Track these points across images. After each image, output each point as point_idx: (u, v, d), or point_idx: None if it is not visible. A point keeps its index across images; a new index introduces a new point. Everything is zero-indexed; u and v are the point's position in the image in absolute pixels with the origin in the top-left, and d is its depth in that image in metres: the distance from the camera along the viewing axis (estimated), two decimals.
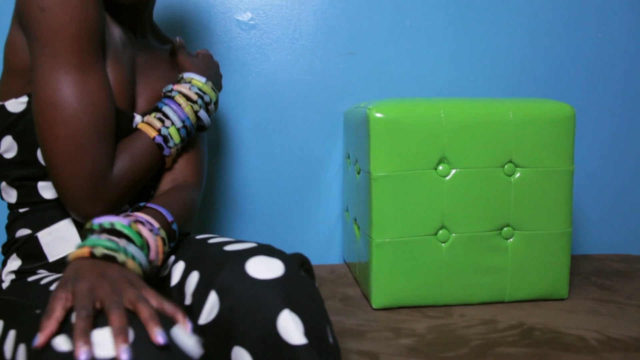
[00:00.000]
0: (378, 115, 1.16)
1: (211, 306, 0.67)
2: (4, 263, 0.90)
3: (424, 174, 1.18)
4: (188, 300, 0.72)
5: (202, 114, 0.94)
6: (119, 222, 0.68)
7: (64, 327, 0.54)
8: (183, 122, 0.90)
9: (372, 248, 1.19)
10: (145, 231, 0.71)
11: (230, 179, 1.55)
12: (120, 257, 0.64)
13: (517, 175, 1.21)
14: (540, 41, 1.61)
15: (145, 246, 0.69)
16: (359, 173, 1.29)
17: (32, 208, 0.86)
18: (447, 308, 1.22)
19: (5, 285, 0.87)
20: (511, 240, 1.22)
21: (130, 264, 0.65)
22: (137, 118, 0.89)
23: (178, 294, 0.76)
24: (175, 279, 0.78)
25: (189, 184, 0.96)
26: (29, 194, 0.86)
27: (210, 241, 0.80)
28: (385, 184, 1.17)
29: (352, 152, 1.38)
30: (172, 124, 0.88)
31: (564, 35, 1.62)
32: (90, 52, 0.76)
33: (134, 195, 0.86)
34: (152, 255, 0.71)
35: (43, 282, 0.80)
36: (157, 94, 0.96)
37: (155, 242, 0.72)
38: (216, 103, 0.99)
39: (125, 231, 0.68)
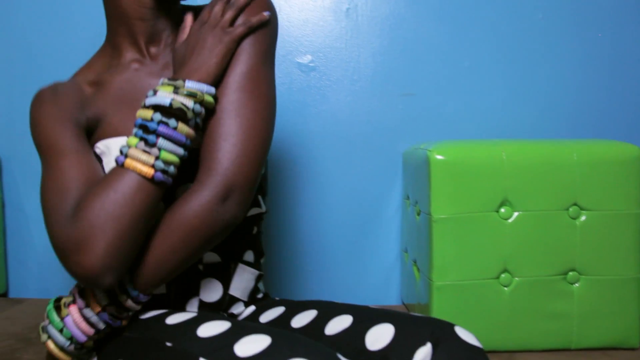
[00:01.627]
0: (439, 157, 1.16)
1: (423, 355, 0.70)
2: None
3: (485, 216, 1.17)
4: (378, 345, 0.74)
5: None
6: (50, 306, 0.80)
7: None
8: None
9: (433, 290, 1.18)
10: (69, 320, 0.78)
11: (288, 217, 1.57)
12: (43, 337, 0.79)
13: (583, 218, 1.18)
14: (601, 80, 1.58)
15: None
16: (419, 214, 1.28)
17: None
18: (510, 354, 1.19)
19: None
20: (577, 285, 1.19)
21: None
22: None
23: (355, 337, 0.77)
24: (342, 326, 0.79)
25: (190, 193, 0.79)
26: None
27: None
28: (446, 226, 1.16)
29: (411, 193, 1.37)
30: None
31: (625, 73, 1.58)
32: (61, 149, 0.83)
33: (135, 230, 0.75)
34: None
35: (160, 318, 0.81)
36: None
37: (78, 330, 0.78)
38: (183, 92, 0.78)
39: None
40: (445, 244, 1.17)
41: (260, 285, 1.02)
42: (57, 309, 0.78)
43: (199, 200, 0.77)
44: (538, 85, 1.57)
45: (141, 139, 0.75)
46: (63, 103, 0.87)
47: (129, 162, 0.75)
